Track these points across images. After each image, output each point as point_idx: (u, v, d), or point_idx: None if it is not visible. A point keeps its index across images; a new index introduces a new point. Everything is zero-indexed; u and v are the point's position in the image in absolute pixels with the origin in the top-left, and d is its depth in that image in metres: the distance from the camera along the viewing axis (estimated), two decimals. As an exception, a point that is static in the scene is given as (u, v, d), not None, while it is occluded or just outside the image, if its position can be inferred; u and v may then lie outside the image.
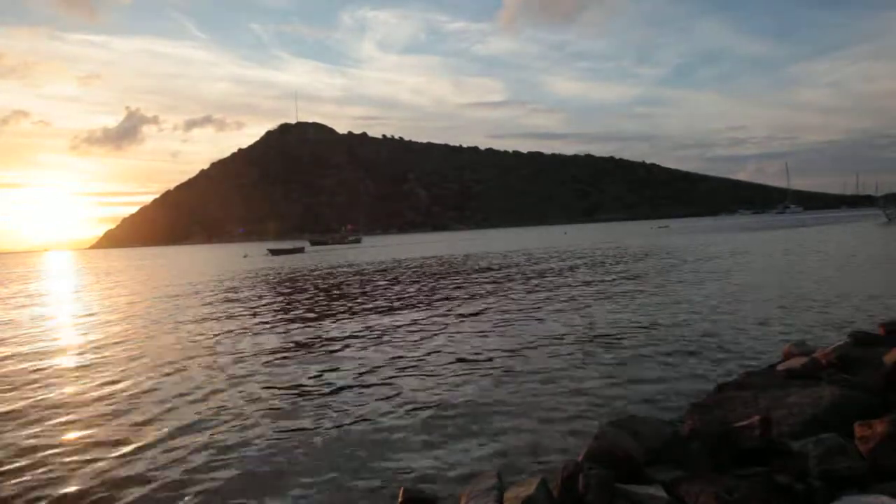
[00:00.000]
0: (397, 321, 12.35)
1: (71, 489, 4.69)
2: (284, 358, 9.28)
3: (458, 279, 21.84)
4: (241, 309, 16.02)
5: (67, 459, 5.28)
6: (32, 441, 5.87)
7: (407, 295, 17.37)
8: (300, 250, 70.94)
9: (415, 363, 8.42)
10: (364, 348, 9.70)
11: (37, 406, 7.14)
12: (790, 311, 10.68)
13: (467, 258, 36.38)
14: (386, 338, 10.52)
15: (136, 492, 4.55)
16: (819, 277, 15.60)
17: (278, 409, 6.60)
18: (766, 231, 54.63)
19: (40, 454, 5.42)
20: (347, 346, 10.01)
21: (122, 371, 8.79)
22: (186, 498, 4.46)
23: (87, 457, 5.35)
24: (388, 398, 6.74)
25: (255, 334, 11.62)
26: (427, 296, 16.85)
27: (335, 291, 20.07)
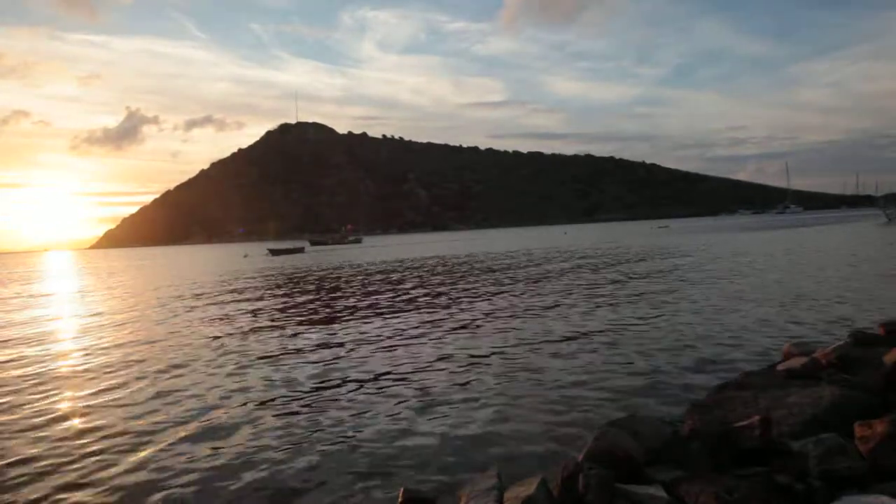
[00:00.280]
0: (398, 321, 12.35)
1: (75, 495, 4.68)
2: (285, 358, 9.28)
3: (459, 279, 21.85)
4: (243, 310, 16.02)
5: (73, 466, 5.26)
6: (35, 447, 5.86)
7: (407, 295, 17.37)
8: (300, 250, 70.98)
9: (415, 363, 8.42)
10: (365, 348, 9.70)
11: (40, 411, 7.13)
12: (790, 311, 10.67)
13: (468, 258, 36.38)
14: (387, 338, 10.52)
15: (142, 499, 4.53)
16: (819, 277, 15.59)
17: (279, 409, 6.60)
18: (766, 231, 54.60)
19: (44, 462, 5.37)
20: (348, 346, 10.01)
21: (126, 374, 8.78)
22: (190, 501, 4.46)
23: (92, 461, 5.36)
24: (388, 398, 6.75)
25: (258, 335, 11.62)
26: (428, 296, 16.86)
27: (336, 292, 20.07)
